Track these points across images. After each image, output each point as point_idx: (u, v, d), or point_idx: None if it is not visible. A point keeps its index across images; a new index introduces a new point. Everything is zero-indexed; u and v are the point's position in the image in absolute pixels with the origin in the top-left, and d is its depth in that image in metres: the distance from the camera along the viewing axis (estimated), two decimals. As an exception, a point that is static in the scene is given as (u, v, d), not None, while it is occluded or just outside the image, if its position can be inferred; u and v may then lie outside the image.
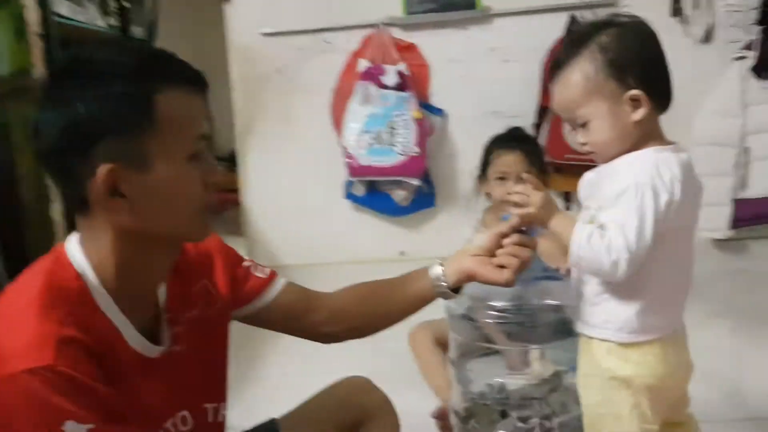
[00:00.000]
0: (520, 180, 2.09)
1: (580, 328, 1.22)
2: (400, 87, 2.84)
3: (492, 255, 1.19)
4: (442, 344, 2.08)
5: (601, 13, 2.82)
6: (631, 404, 1.17)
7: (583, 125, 1.18)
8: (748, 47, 2.83)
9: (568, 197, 2.93)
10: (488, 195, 2.23)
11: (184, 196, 0.93)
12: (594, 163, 2.78)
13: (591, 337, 1.20)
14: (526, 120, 2.88)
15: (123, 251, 0.94)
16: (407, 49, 2.96)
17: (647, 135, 1.17)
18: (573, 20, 2.90)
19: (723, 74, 2.83)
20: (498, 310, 1.51)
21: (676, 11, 2.92)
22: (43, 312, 0.87)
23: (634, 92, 1.14)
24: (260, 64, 2.99)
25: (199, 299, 1.11)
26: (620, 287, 1.15)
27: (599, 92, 1.15)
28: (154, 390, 0.99)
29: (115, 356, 0.93)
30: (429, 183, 2.98)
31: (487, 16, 2.94)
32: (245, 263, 1.23)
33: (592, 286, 1.19)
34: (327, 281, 2.84)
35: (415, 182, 2.85)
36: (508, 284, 1.16)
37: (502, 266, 1.17)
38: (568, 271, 1.41)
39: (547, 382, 1.43)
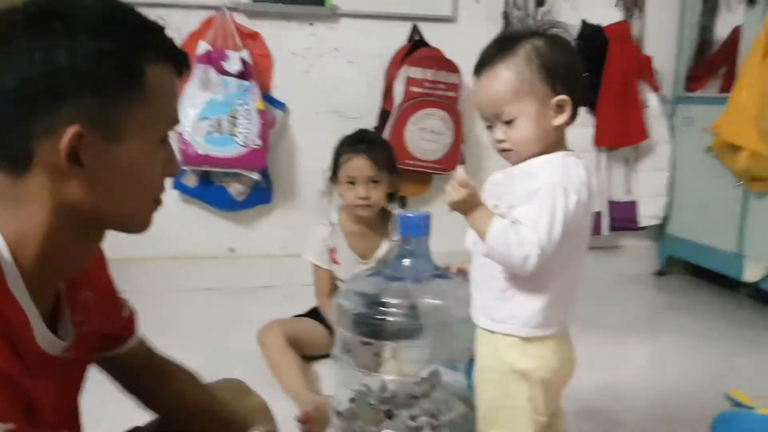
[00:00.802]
0: (369, 183, 2.13)
1: (483, 323, 1.24)
2: (243, 75, 2.72)
3: None
4: (294, 344, 2.02)
5: (441, 26, 2.98)
6: (527, 397, 1.20)
7: (508, 122, 1.20)
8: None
9: (404, 201, 3.01)
10: (341, 195, 2.21)
11: (145, 179, 0.83)
12: (429, 170, 2.90)
13: (493, 332, 1.22)
14: (367, 122, 2.92)
15: (55, 227, 0.78)
16: (251, 37, 2.85)
17: (558, 141, 1.22)
18: (415, 29, 3.00)
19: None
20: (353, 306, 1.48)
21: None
22: None
23: (563, 97, 1.18)
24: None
25: (81, 310, 0.94)
26: (528, 283, 1.19)
27: (531, 92, 1.18)
28: (49, 397, 0.82)
29: (23, 349, 0.76)
30: (267, 178, 2.88)
31: (335, 15, 2.93)
32: (120, 295, 1.08)
33: (500, 282, 1.21)
34: (147, 278, 2.67)
35: (255, 176, 2.75)
36: None
37: None
38: (459, 271, 1.43)
39: (427, 380, 1.43)
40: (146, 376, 1.12)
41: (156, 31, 0.81)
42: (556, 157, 1.20)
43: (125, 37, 0.77)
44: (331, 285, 2.22)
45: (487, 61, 1.20)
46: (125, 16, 0.79)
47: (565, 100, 1.18)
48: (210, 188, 2.79)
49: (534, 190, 1.15)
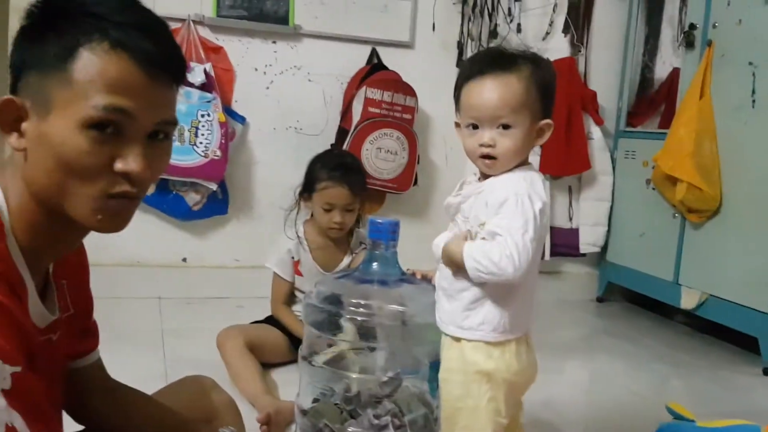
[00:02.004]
0: (344, 210, 2.16)
1: (450, 331, 1.29)
2: (205, 87, 2.74)
3: None
4: (253, 350, 2.03)
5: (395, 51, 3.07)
6: (488, 397, 1.26)
7: (505, 127, 1.24)
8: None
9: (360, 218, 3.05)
10: (309, 207, 2.24)
11: (73, 162, 0.80)
12: (383, 188, 2.96)
13: (460, 339, 1.28)
14: (325, 139, 2.98)
15: (27, 199, 0.83)
16: (214, 51, 2.88)
17: (526, 159, 1.30)
18: (374, 52, 3.09)
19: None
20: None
21: (460, 64, 3.25)
22: None
23: (548, 122, 1.25)
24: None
25: (61, 294, 0.95)
26: (498, 291, 1.25)
27: (531, 108, 1.24)
28: (37, 380, 0.83)
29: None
30: (224, 190, 2.89)
31: (297, 35, 3.00)
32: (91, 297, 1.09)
33: (471, 293, 1.26)
34: (99, 284, 2.61)
35: (213, 187, 2.76)
36: None
37: None
38: (423, 277, 1.49)
39: (389, 382, 1.47)
40: (99, 396, 1.11)
41: (120, 22, 0.81)
42: (519, 171, 1.27)
43: (62, 21, 0.80)
44: (288, 296, 2.25)
45: (495, 65, 1.23)
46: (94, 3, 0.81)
47: (549, 124, 1.25)
48: (167, 197, 2.78)
49: (501, 201, 1.21)
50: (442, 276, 1.33)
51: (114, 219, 0.84)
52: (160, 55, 0.82)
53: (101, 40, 0.79)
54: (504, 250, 1.17)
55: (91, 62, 0.78)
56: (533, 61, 1.26)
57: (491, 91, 1.23)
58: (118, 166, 0.81)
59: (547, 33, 3.40)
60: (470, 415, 1.27)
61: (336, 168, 2.17)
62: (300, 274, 2.24)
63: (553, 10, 3.36)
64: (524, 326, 1.31)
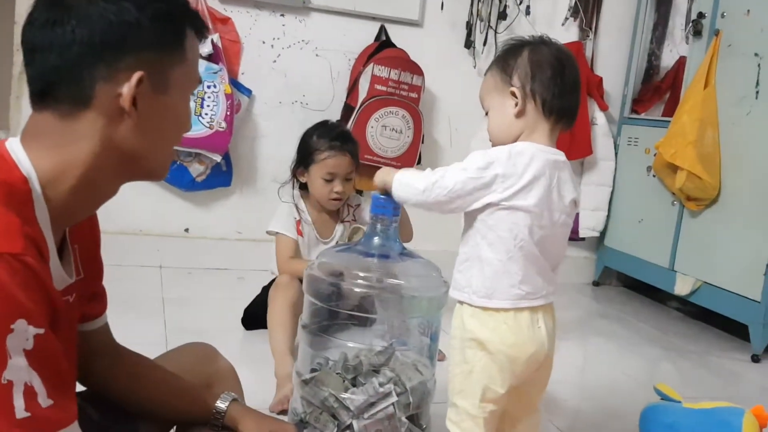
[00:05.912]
0: (345, 180, 2.18)
1: (451, 293, 1.36)
2: (212, 58, 2.75)
3: None
4: (297, 306, 2.01)
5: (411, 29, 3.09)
6: (482, 364, 1.30)
7: (487, 114, 1.36)
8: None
9: (361, 194, 3.08)
10: (305, 183, 2.25)
11: (179, 129, 0.96)
12: (386, 167, 2.98)
13: (459, 302, 1.34)
14: (330, 115, 2.98)
15: (95, 166, 0.85)
16: (222, 22, 2.88)
17: (530, 134, 1.30)
18: (382, 29, 3.09)
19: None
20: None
21: (468, 44, 3.26)
22: (3, 203, 0.75)
23: (512, 89, 1.31)
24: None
25: (74, 258, 0.98)
26: (473, 254, 1.31)
27: (494, 88, 1.33)
28: (57, 342, 0.86)
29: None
30: (227, 162, 2.92)
31: (306, 8, 3.00)
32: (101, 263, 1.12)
33: (460, 255, 1.34)
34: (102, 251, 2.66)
35: (217, 158, 2.78)
36: None
37: None
38: None
39: (384, 352, 1.51)
40: (105, 360, 1.13)
41: (189, 4, 0.96)
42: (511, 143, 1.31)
43: (175, 4, 0.91)
44: (295, 251, 2.22)
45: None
46: None
47: (513, 90, 1.29)
48: (171, 167, 2.78)
49: None
50: None
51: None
52: (204, 26, 0.98)
53: (192, 24, 0.93)
54: (429, 175, 1.29)
55: (194, 43, 0.94)
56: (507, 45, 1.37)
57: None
58: (189, 127, 0.99)
59: (566, 18, 3.41)
60: (464, 379, 1.32)
61: (336, 138, 2.19)
62: (301, 235, 2.24)
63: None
64: (515, 298, 1.30)
